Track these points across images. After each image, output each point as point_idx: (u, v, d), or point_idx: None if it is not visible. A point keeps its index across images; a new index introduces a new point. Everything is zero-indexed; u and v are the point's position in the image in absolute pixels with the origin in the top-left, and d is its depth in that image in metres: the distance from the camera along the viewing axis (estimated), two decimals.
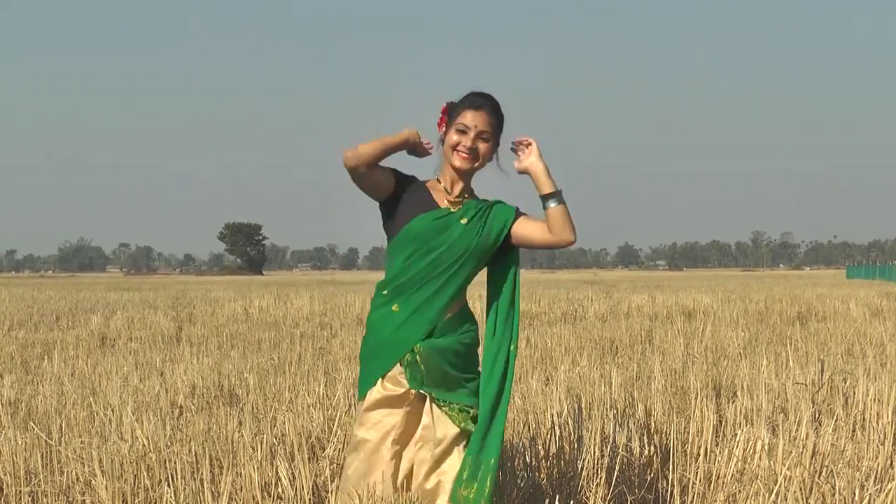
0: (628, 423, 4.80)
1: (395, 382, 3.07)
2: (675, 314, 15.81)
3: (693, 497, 3.94)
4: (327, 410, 5.37)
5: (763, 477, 4.01)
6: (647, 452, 4.44)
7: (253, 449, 4.30)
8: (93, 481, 4.07)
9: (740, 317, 14.63)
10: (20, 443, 4.45)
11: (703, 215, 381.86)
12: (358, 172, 2.97)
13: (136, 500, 3.97)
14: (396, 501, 3.02)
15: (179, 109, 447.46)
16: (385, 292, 3.08)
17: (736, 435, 4.58)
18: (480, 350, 3.18)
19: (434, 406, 3.06)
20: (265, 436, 4.54)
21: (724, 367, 7.76)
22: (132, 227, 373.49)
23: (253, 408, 6.01)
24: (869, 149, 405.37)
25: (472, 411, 3.07)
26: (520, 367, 7.91)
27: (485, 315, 3.20)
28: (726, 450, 4.33)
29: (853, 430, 5.10)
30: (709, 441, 4.42)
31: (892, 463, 4.37)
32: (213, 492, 3.86)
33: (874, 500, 3.72)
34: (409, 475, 3.09)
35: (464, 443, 3.07)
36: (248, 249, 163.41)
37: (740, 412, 5.34)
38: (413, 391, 3.06)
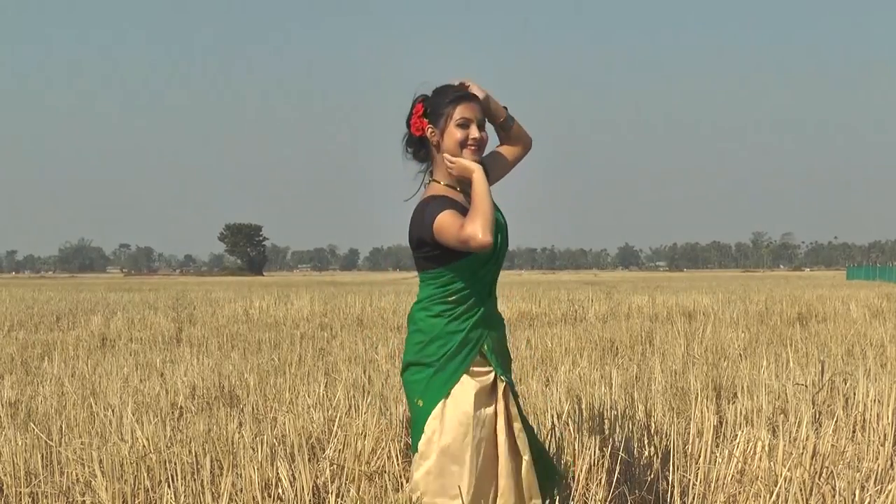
0: (628, 423, 4.80)
1: (480, 374, 3.06)
2: (675, 315, 15.81)
3: (693, 498, 3.94)
4: (327, 411, 5.37)
5: (763, 478, 4.01)
6: (647, 453, 4.44)
7: (253, 450, 4.30)
8: (93, 482, 4.07)
9: (740, 318, 14.62)
10: (20, 443, 4.45)
11: (704, 216, 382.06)
12: None
13: (137, 501, 3.97)
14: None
15: (179, 110, 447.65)
16: (453, 298, 3.03)
17: (736, 436, 4.58)
18: None
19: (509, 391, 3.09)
20: (265, 437, 4.54)
21: (724, 368, 7.76)
22: (132, 227, 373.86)
23: (253, 409, 6.01)
24: (869, 149, 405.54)
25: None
26: (520, 368, 7.91)
27: None
28: (726, 451, 4.33)
29: (853, 431, 5.10)
30: (709, 442, 4.42)
31: (892, 464, 4.37)
32: (213, 492, 3.86)
33: (874, 501, 3.72)
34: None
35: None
36: (248, 250, 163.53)
37: (740, 413, 5.34)
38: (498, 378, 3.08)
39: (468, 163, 2.99)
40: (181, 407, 6.26)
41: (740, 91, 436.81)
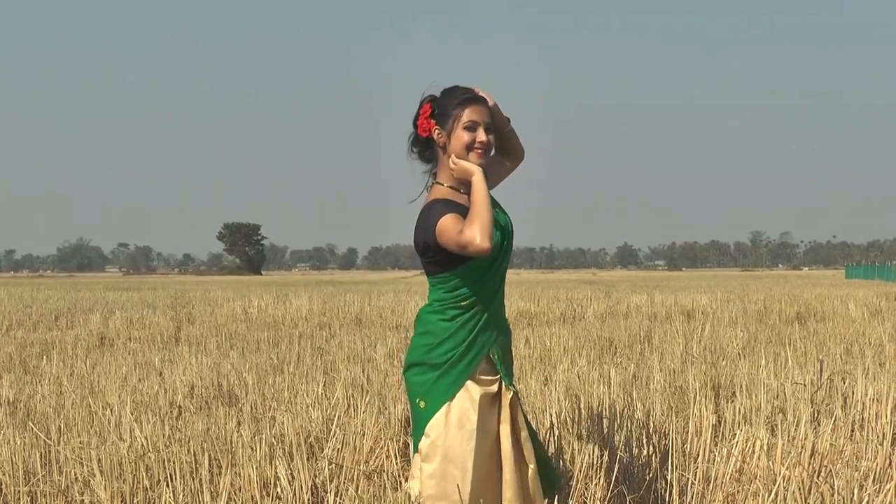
0: (627, 423, 4.80)
1: (486, 382, 3.05)
2: (674, 314, 15.81)
3: (692, 497, 3.94)
4: (326, 410, 5.37)
5: (762, 477, 4.01)
6: (645, 452, 4.44)
7: (252, 449, 4.30)
8: (91, 481, 4.07)
9: (739, 317, 14.63)
10: (19, 443, 4.45)
11: (702, 215, 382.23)
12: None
13: (135, 500, 3.97)
14: None
15: (179, 110, 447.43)
16: (465, 303, 3.02)
17: (735, 435, 4.59)
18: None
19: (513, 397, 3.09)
20: (264, 436, 4.54)
21: (722, 367, 7.76)
22: (131, 227, 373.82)
23: (252, 408, 6.01)
24: (868, 149, 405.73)
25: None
26: (519, 367, 7.91)
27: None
28: (725, 450, 4.33)
29: (852, 430, 5.10)
30: (708, 441, 4.43)
31: (890, 463, 4.37)
32: (211, 492, 3.86)
33: (873, 500, 3.72)
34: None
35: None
36: (246, 249, 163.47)
37: (739, 412, 5.34)
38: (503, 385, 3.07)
39: (469, 165, 2.98)
40: (180, 406, 6.25)
41: (740, 91, 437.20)
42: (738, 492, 4.03)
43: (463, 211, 2.95)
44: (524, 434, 3.06)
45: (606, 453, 4.15)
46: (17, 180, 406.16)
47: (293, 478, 3.99)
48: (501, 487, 3.03)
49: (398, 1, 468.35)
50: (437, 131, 3.03)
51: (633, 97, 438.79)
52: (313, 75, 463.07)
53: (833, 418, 4.95)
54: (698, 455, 4.40)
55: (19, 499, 4.11)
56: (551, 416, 4.79)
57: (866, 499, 3.70)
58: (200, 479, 3.91)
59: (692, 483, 4.03)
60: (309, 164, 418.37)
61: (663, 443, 4.52)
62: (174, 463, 4.09)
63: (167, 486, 3.96)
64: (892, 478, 3.99)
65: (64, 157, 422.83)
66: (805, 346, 9.64)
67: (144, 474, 4.07)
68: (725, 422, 5.16)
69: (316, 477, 4.18)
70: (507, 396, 3.05)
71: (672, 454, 4.15)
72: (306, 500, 3.85)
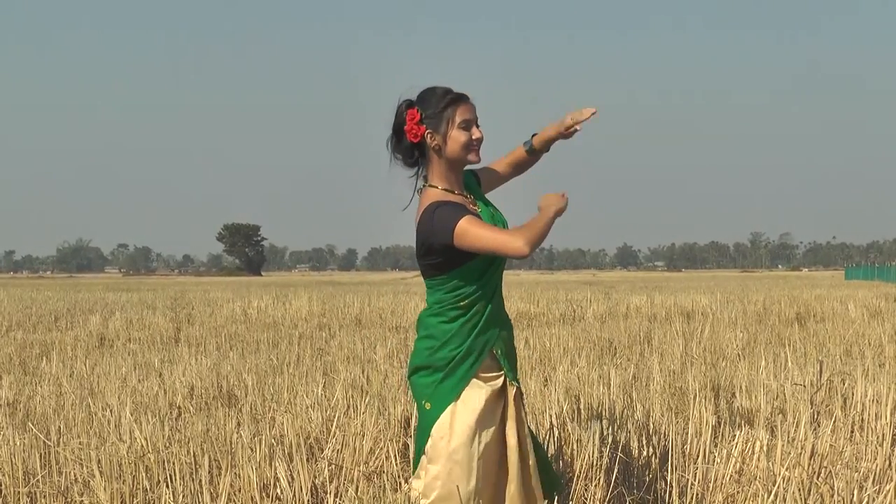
0: (627, 423, 4.80)
1: (490, 378, 3.06)
2: (673, 315, 15.81)
3: (691, 498, 3.94)
4: (326, 411, 5.37)
5: (762, 478, 4.01)
6: (645, 453, 4.44)
7: (251, 450, 4.30)
8: (91, 482, 4.06)
9: (739, 318, 14.63)
10: (19, 443, 4.45)
11: (702, 216, 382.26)
12: None
13: (135, 501, 3.97)
14: None
15: (178, 110, 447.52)
16: (464, 303, 3.02)
17: (734, 436, 4.58)
18: None
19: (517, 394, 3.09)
20: (264, 437, 4.53)
21: (722, 367, 7.76)
22: (131, 227, 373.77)
23: (251, 408, 6.00)
24: (868, 150, 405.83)
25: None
26: (518, 368, 7.91)
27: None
28: (725, 451, 4.33)
29: (852, 431, 5.10)
30: (707, 442, 4.43)
31: (890, 464, 4.36)
32: (211, 492, 3.86)
33: (873, 501, 3.72)
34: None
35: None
36: (246, 250, 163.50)
37: (739, 413, 5.34)
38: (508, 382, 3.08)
39: (552, 204, 2.97)
40: (179, 407, 6.25)
41: (739, 91, 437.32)
42: (738, 493, 4.03)
43: (467, 210, 2.96)
44: (525, 430, 3.07)
45: (606, 454, 4.15)
46: (17, 181, 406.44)
47: (293, 479, 3.99)
48: (505, 484, 3.03)
49: (399, 3, 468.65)
50: (429, 135, 3.01)
51: (632, 97, 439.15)
52: (313, 76, 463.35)
53: (833, 419, 4.95)
54: (698, 456, 4.40)
55: (19, 500, 4.10)
56: (551, 416, 4.78)
57: (866, 500, 3.70)
58: (200, 480, 3.91)
59: (692, 484, 4.03)
60: (309, 164, 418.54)
61: (663, 443, 4.52)
62: (174, 464, 4.09)
63: (167, 486, 3.96)
64: (892, 479, 3.98)
65: (64, 157, 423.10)
66: (805, 346, 9.64)
67: (144, 475, 4.07)
68: (725, 423, 5.16)
69: (316, 478, 4.18)
70: (511, 392, 3.05)
71: (672, 455, 4.15)
72: (306, 501, 3.85)
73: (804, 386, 5.98)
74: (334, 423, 4.95)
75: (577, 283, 45.07)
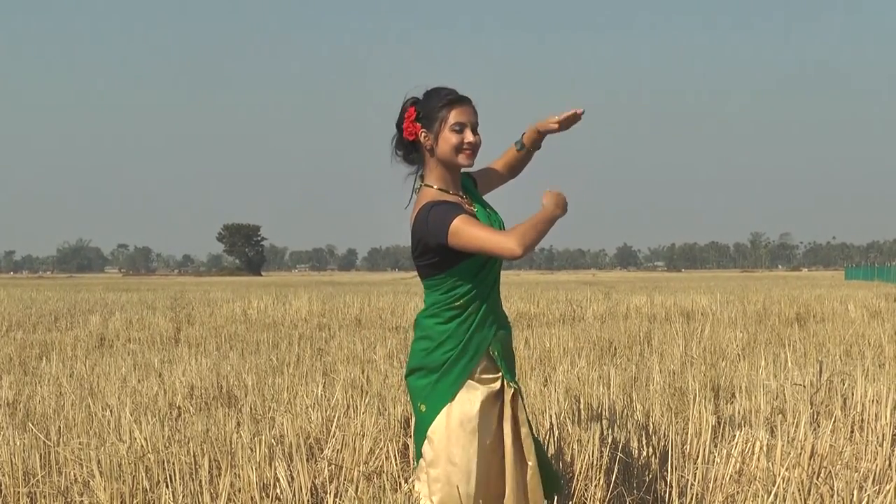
0: (627, 424, 4.80)
1: (487, 380, 3.05)
2: (673, 315, 15.81)
3: (691, 498, 3.94)
4: (325, 411, 5.37)
5: (761, 478, 4.01)
6: (645, 453, 4.44)
7: (251, 450, 4.30)
8: (91, 482, 4.06)
9: (739, 318, 14.63)
10: (18, 443, 4.44)
11: (702, 216, 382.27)
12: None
13: (135, 501, 3.97)
14: None
15: (178, 110, 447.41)
16: (459, 303, 3.01)
17: (734, 436, 4.58)
18: None
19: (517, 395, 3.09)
20: (263, 437, 4.53)
21: (722, 368, 7.76)
22: (131, 228, 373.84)
23: (251, 409, 6.00)
24: (867, 150, 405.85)
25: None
26: (518, 368, 7.91)
27: None
28: (725, 451, 4.33)
29: (851, 432, 5.10)
30: (707, 442, 4.42)
31: (890, 464, 4.36)
32: (211, 493, 3.86)
33: (873, 501, 3.72)
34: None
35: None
36: (246, 250, 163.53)
37: (739, 413, 5.34)
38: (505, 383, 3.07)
39: (552, 204, 2.93)
40: (179, 407, 6.25)
41: (739, 91, 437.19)
42: (738, 493, 4.03)
43: (462, 209, 2.95)
44: (524, 430, 3.05)
45: (606, 454, 4.15)
46: (17, 181, 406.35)
47: (293, 479, 3.99)
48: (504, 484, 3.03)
49: (400, 3, 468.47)
50: (423, 134, 3.01)
51: (632, 98, 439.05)
52: (313, 76, 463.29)
53: (833, 419, 4.95)
54: (698, 456, 4.40)
55: (19, 500, 4.10)
56: (551, 417, 4.78)
57: (866, 500, 3.70)
58: (200, 481, 3.91)
59: (692, 484, 4.03)
60: (309, 164, 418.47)
61: (663, 444, 4.52)
62: (174, 464, 4.09)
63: (167, 487, 3.96)
64: (892, 479, 3.98)
65: (64, 158, 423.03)
66: (804, 347, 9.64)
67: (144, 475, 4.06)
68: (725, 423, 5.16)
69: (315, 478, 4.18)
70: (508, 393, 3.04)
71: (671, 455, 4.15)
72: (306, 501, 3.85)
73: (804, 386, 5.98)
74: (334, 424, 4.95)
75: (577, 284, 45.06)
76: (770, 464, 4.12)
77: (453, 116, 3.00)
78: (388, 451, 4.54)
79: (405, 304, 17.97)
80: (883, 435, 4.84)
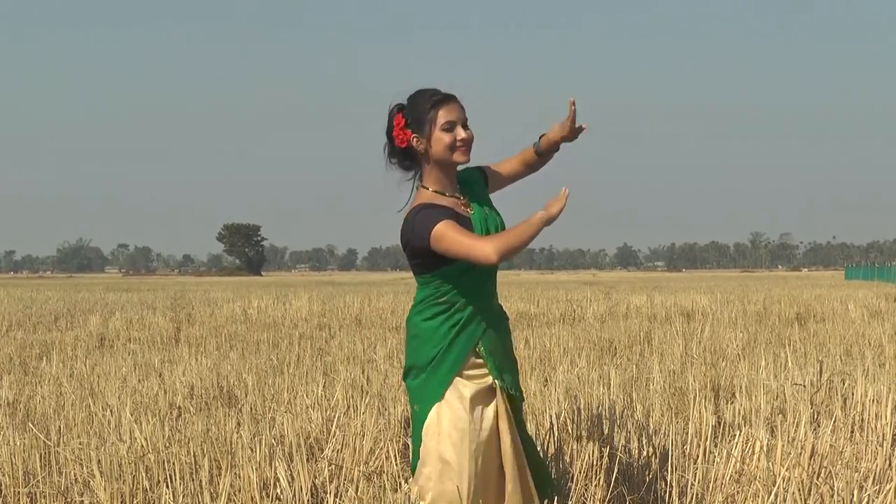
0: (627, 424, 4.80)
1: (477, 377, 3.06)
2: (673, 315, 15.81)
3: (691, 498, 3.94)
4: (326, 411, 5.37)
5: (762, 478, 4.01)
6: (645, 453, 4.44)
7: (251, 450, 4.30)
8: (91, 482, 4.06)
9: (739, 318, 14.63)
10: (19, 443, 4.45)
11: (702, 216, 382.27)
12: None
13: (135, 501, 3.97)
14: None
15: (178, 110, 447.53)
16: (443, 299, 3.02)
17: (734, 436, 4.59)
18: None
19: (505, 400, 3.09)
20: (264, 437, 4.53)
21: (722, 368, 7.76)
22: (131, 227, 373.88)
23: (251, 409, 6.00)
24: (867, 150, 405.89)
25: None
26: (519, 368, 7.90)
27: None
28: (725, 451, 4.33)
29: (852, 432, 5.10)
30: (707, 442, 4.43)
31: (890, 464, 4.36)
32: (211, 492, 3.86)
33: (873, 501, 3.72)
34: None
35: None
36: (246, 250, 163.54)
37: (739, 413, 5.34)
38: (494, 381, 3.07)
39: (544, 213, 2.88)
40: (179, 407, 6.25)
41: (739, 91, 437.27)
42: (738, 493, 4.03)
43: (451, 213, 2.96)
44: (513, 429, 3.06)
45: (606, 454, 4.15)
46: (17, 181, 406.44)
47: (293, 479, 3.99)
48: (504, 484, 3.02)
49: (400, 3, 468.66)
50: (415, 139, 3.01)
51: (632, 97, 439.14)
52: (313, 76, 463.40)
53: (833, 419, 4.95)
54: (698, 456, 4.40)
55: (19, 500, 4.11)
56: (551, 416, 4.78)
57: (866, 500, 3.70)
58: (200, 481, 3.91)
59: (692, 484, 4.03)
60: (309, 164, 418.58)
61: (663, 444, 4.52)
62: (174, 464, 4.09)
63: (167, 487, 3.96)
64: (892, 479, 3.98)
65: (64, 158, 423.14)
66: (805, 347, 9.64)
67: (144, 475, 4.07)
68: (725, 423, 5.16)
69: (316, 478, 4.18)
70: (500, 390, 3.04)
71: (672, 455, 4.15)
72: (306, 501, 3.85)
73: (804, 386, 5.98)
74: (334, 423, 4.95)
75: (577, 283, 45.07)
76: (770, 464, 4.12)
77: (442, 116, 3.00)
78: (388, 451, 4.54)
79: (405, 303, 17.97)
80: (883, 435, 4.84)
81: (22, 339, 12.08)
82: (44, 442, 4.63)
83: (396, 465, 4.37)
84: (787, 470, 3.94)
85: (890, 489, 3.70)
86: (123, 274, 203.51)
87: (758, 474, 4.08)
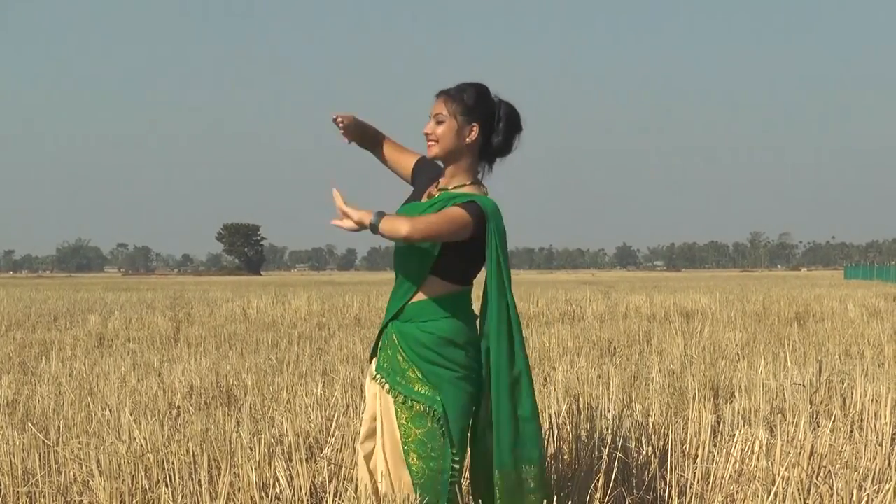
0: (626, 423, 4.80)
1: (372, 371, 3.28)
2: (673, 315, 15.81)
3: (691, 498, 3.94)
4: (325, 411, 5.37)
5: (761, 477, 4.01)
6: (645, 453, 4.44)
7: (251, 449, 4.30)
8: (90, 482, 4.06)
9: (738, 317, 14.62)
10: (18, 443, 4.44)
11: (701, 216, 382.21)
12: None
13: (134, 501, 3.97)
14: None
15: (177, 110, 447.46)
16: None
17: (734, 435, 4.58)
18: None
19: (387, 396, 3.16)
20: (263, 436, 4.53)
21: (721, 367, 7.76)
22: (130, 227, 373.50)
23: (251, 408, 6.00)
24: (867, 149, 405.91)
25: (418, 406, 3.10)
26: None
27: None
28: (724, 450, 4.33)
29: (851, 431, 5.10)
30: (707, 442, 4.42)
31: (889, 464, 4.37)
32: (210, 492, 3.86)
33: (872, 500, 3.72)
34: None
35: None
36: (246, 250, 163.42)
37: (738, 413, 5.34)
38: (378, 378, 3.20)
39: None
40: (179, 406, 6.25)
41: (738, 90, 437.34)
42: (738, 492, 4.03)
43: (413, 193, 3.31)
44: (385, 426, 3.15)
45: (605, 454, 4.15)
46: (17, 181, 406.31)
47: (292, 478, 3.99)
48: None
49: (400, 3, 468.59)
50: None
51: (632, 97, 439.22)
52: (313, 75, 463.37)
53: (832, 419, 4.95)
54: (697, 455, 4.40)
55: (18, 499, 4.10)
56: (550, 416, 4.78)
57: (865, 499, 3.71)
58: (199, 480, 3.91)
59: (691, 483, 4.03)
60: (308, 164, 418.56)
61: (662, 443, 4.52)
62: (173, 463, 4.09)
63: (166, 486, 3.96)
64: (892, 478, 3.98)
65: (63, 157, 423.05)
66: (804, 346, 9.64)
67: (143, 475, 4.07)
68: (724, 422, 5.15)
69: (315, 477, 4.18)
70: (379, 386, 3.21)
71: (671, 455, 4.15)
72: (305, 501, 3.84)
73: (803, 385, 5.98)
74: (333, 423, 4.95)
75: (577, 283, 45.06)
76: (769, 463, 4.12)
77: (432, 109, 3.20)
78: None
79: None
80: (882, 434, 4.84)
81: (21, 338, 12.07)
82: (43, 441, 4.63)
83: None
84: (786, 469, 3.94)
85: (889, 489, 3.70)
86: (123, 273, 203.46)
87: (757, 474, 4.08)
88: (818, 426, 4.91)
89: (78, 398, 6.28)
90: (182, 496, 3.86)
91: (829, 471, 4.16)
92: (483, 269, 3.15)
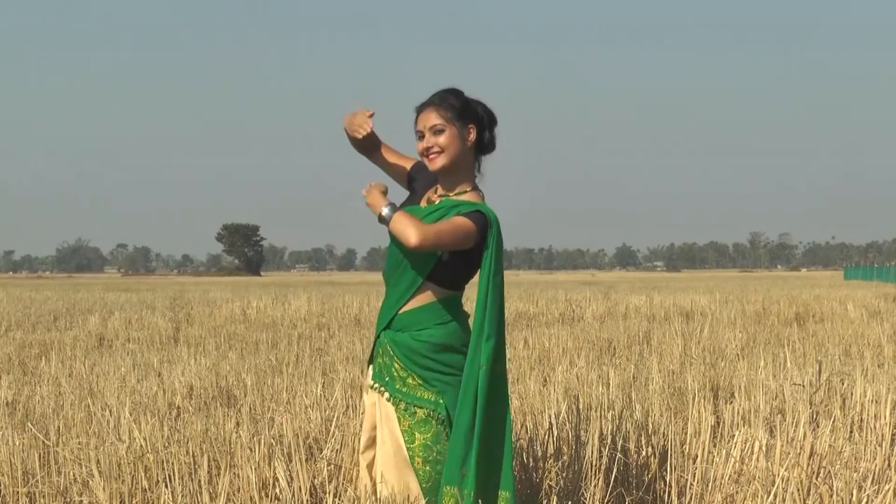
0: (626, 424, 4.80)
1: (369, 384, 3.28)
2: (672, 315, 15.81)
3: (691, 498, 3.94)
4: (325, 411, 5.37)
5: (761, 478, 4.01)
6: (644, 453, 4.44)
7: (251, 450, 4.30)
8: (90, 482, 4.06)
9: (738, 318, 14.63)
10: (17, 443, 4.44)
11: (701, 216, 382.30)
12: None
13: (134, 501, 3.97)
14: None
15: (177, 110, 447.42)
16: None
17: (734, 436, 4.58)
18: None
19: (387, 403, 3.16)
20: (263, 436, 4.53)
21: (721, 368, 7.76)
22: (130, 227, 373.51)
23: (251, 408, 6.00)
24: (867, 150, 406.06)
25: (421, 412, 3.10)
26: (517, 368, 7.91)
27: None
28: (724, 451, 4.33)
29: (851, 432, 5.10)
30: (706, 442, 4.42)
31: (889, 464, 4.37)
32: (210, 492, 3.86)
33: (872, 501, 3.72)
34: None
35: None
36: (245, 250, 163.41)
37: (738, 413, 5.34)
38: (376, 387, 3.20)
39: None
40: (178, 407, 6.25)
41: (738, 91, 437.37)
42: (737, 492, 4.03)
43: (409, 199, 3.29)
44: (380, 436, 3.18)
45: (605, 454, 4.15)
46: (17, 181, 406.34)
47: (292, 479, 3.98)
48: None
49: (399, 3, 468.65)
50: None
51: (632, 97, 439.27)
52: (313, 75, 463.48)
53: (832, 419, 4.95)
54: (697, 456, 4.39)
55: (18, 499, 4.10)
56: (550, 416, 4.78)
57: (865, 500, 3.71)
58: (199, 480, 3.91)
59: (691, 484, 4.03)
60: (308, 164, 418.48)
61: (662, 444, 4.52)
62: (173, 464, 4.09)
63: (166, 486, 3.96)
64: (891, 479, 3.99)
65: (63, 157, 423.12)
66: (804, 347, 9.64)
67: (143, 475, 4.06)
68: (724, 423, 5.16)
69: (315, 478, 4.18)
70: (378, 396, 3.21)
71: (671, 455, 4.15)
72: (305, 501, 3.84)
73: (803, 386, 5.98)
74: (333, 423, 4.95)
75: (577, 283, 45.06)
76: (769, 463, 4.12)
77: (418, 125, 3.13)
78: None
79: None
80: (882, 435, 4.84)
81: (21, 338, 12.07)
82: (43, 442, 4.63)
83: None
84: (786, 470, 3.94)
85: (889, 489, 3.70)
86: (122, 274, 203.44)
87: (757, 474, 4.08)
88: (818, 427, 4.91)
89: (78, 398, 6.28)
90: (182, 496, 3.86)
91: (829, 471, 4.16)
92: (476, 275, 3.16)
